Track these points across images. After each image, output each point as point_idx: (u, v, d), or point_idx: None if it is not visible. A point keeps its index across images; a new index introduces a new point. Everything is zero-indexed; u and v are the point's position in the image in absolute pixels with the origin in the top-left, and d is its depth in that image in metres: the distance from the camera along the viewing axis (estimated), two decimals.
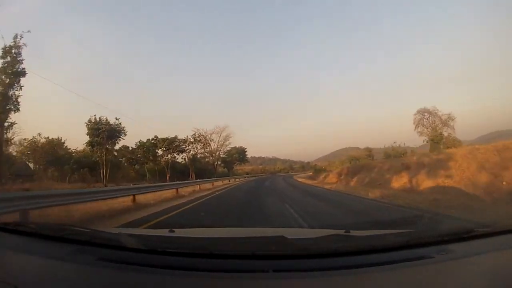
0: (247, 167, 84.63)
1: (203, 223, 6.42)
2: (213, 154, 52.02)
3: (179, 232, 1.55)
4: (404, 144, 40.05)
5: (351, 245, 1.11)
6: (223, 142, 53.16)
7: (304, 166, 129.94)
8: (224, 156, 56.48)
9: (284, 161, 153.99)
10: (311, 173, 61.38)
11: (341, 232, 1.33)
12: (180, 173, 41.71)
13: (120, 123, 32.25)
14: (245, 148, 63.11)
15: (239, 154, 61.40)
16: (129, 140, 46.64)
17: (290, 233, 1.63)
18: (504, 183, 10.64)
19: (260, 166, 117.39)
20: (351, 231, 1.37)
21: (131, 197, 9.73)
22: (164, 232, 1.55)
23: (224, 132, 52.35)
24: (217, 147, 52.29)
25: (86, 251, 1.11)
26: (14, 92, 20.75)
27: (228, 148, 55.65)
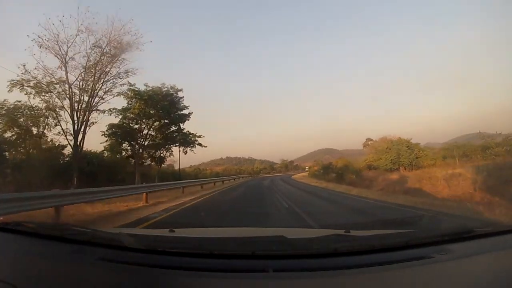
0: (217, 168, 64.58)
1: (204, 223, 6.41)
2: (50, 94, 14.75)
3: (179, 232, 1.55)
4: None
5: (351, 245, 1.11)
6: (108, 62, 15.72)
7: (287, 166, 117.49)
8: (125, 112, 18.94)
9: (261, 161, 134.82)
10: (306, 173, 53.95)
11: (341, 232, 1.33)
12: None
13: None
14: (179, 92, 20.67)
15: (170, 113, 20.48)
16: None
17: (290, 233, 1.63)
18: None
19: (236, 166, 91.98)
20: (351, 231, 1.37)
21: None
22: (164, 232, 1.55)
23: (115, 32, 15.31)
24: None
25: (86, 251, 1.11)
26: None
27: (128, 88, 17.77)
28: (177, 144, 23.13)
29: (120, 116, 19.18)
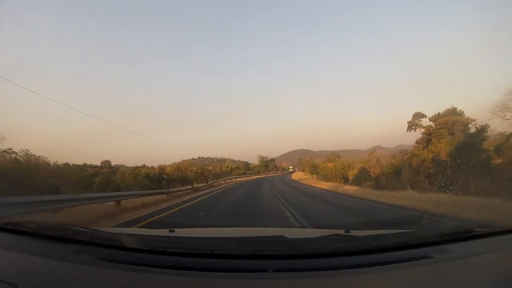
0: (167, 166, 40.95)
1: (204, 223, 6.41)
2: None
3: (179, 232, 1.55)
4: None
5: (351, 245, 1.11)
6: None
7: (267, 165, 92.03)
8: None
9: (234, 161, 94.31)
10: (303, 174, 41.84)
11: (341, 232, 1.33)
12: None
13: None
14: None
15: None
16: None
17: (290, 233, 1.63)
18: None
19: (208, 165, 61.90)
20: (351, 231, 1.37)
21: None
22: (164, 232, 1.55)
23: None
24: None
25: (86, 251, 1.11)
26: None
27: None
28: None
29: None
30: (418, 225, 2.70)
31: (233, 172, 61.99)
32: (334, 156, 45.91)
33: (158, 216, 7.92)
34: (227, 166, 68.48)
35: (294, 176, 49.87)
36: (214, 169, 55.09)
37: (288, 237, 1.12)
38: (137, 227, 5.54)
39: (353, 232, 1.34)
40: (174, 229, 1.53)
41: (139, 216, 8.32)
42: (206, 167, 55.00)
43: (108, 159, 45.88)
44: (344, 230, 1.35)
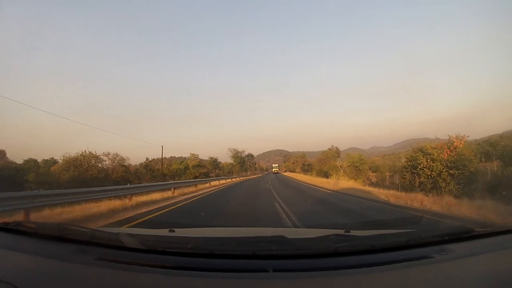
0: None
1: (204, 223, 6.40)
2: None
3: (179, 232, 1.55)
4: None
5: (351, 245, 1.11)
6: None
7: (244, 163, 67.80)
8: None
9: (196, 158, 54.42)
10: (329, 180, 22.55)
11: (341, 232, 1.33)
12: None
13: None
14: None
15: None
16: None
17: (290, 233, 1.63)
18: None
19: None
20: (351, 231, 1.37)
21: None
22: (164, 232, 1.55)
23: None
24: None
25: (86, 251, 1.11)
26: None
27: None
28: None
29: None
30: (418, 225, 2.70)
31: (188, 171, 43.29)
32: (332, 151, 38.09)
33: None
34: (181, 164, 47.63)
35: (298, 177, 35.69)
36: (162, 169, 36.24)
37: (288, 237, 1.12)
38: (136, 227, 5.52)
39: (353, 232, 1.34)
40: (174, 229, 1.53)
41: None
42: (153, 167, 38.60)
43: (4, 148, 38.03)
44: (344, 230, 1.35)
